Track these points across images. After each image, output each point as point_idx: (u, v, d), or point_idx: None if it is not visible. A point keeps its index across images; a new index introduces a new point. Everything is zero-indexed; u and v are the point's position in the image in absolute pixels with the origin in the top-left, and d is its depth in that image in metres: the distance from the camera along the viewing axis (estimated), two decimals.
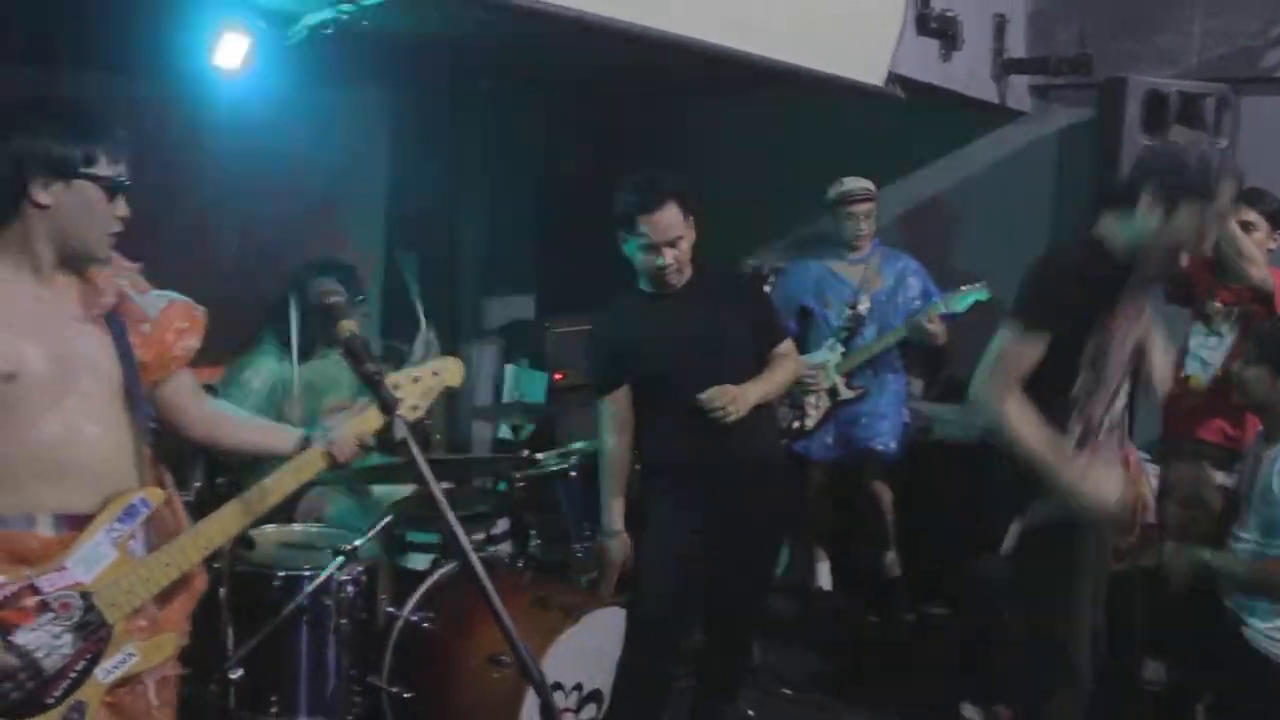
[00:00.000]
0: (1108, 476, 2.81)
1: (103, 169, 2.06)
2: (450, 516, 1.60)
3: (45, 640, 1.96)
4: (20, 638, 1.95)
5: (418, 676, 3.39)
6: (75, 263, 2.11)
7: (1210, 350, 4.13)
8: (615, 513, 3.41)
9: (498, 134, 5.14)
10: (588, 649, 3.38)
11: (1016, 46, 5.22)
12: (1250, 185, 4.17)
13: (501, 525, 4.11)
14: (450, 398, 5.09)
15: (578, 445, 4.20)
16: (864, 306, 4.70)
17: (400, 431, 1.64)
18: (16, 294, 2.06)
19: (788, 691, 4.25)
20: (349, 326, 1.77)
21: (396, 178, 4.98)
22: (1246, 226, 3.97)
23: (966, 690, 4.09)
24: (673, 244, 3.20)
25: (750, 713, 3.94)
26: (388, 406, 1.66)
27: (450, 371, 2.44)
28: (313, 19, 3.33)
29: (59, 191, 2.03)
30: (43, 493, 2.04)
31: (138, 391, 2.14)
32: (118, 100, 3.91)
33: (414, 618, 3.45)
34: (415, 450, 1.63)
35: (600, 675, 3.42)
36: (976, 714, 4.04)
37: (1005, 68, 5.14)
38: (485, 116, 5.10)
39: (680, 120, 5.64)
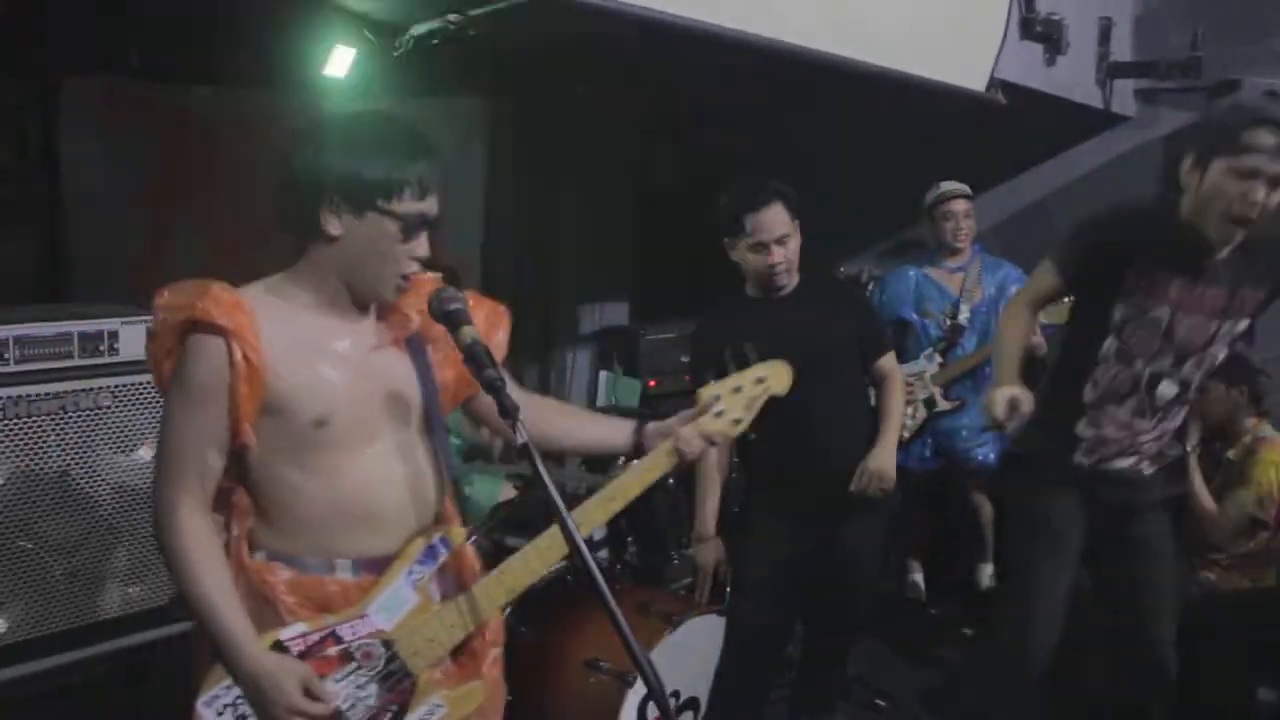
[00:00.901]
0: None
1: (405, 204, 1.84)
2: (570, 523, 1.61)
3: (350, 692, 1.86)
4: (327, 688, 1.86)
5: (514, 680, 3.38)
6: (363, 299, 1.94)
7: None
8: (708, 518, 3.39)
9: (594, 141, 5.17)
10: (685, 656, 3.36)
11: (1122, 50, 5.11)
12: None
13: (598, 532, 4.12)
14: None
15: None
16: (964, 317, 4.62)
17: (523, 436, 1.64)
18: (320, 328, 1.91)
19: (881, 703, 4.19)
20: (471, 332, 1.75)
21: (495, 184, 5.03)
22: None
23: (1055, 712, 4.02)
24: (781, 242, 3.19)
25: (880, 702, 3.90)
26: (509, 411, 1.67)
27: (777, 376, 2.31)
28: (420, 30, 3.39)
29: (351, 223, 1.84)
30: (346, 539, 1.92)
31: (438, 416, 2.01)
32: (229, 111, 4.03)
33: (510, 621, 3.47)
34: (537, 457, 1.63)
35: (697, 683, 3.41)
36: None
37: (1110, 72, 5.04)
38: (582, 124, 5.13)
39: (778, 128, 5.62)
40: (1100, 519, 2.95)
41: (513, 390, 2.07)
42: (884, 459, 3.24)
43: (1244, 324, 2.84)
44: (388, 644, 1.90)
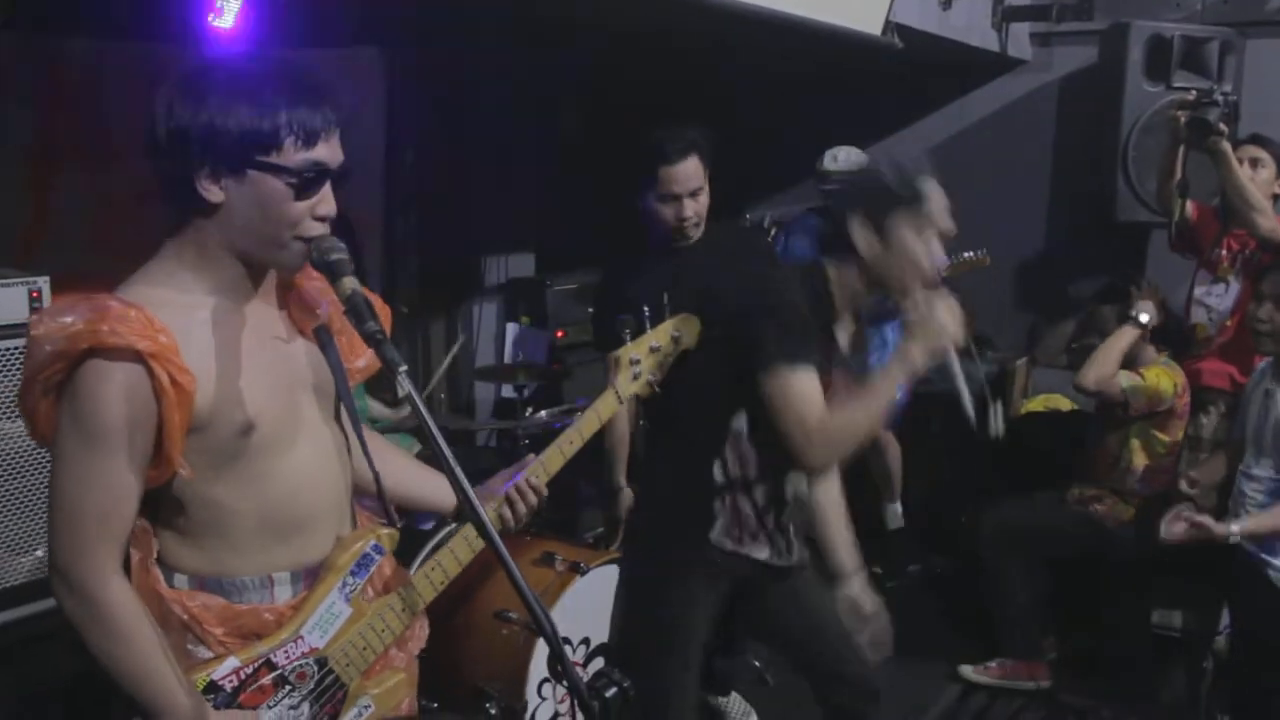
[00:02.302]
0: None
1: (288, 156, 1.60)
2: (459, 474, 1.59)
3: (285, 715, 1.77)
4: (262, 718, 1.75)
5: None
6: (261, 271, 1.74)
7: (1216, 298, 4.13)
8: (619, 468, 3.43)
9: (497, 92, 5.10)
10: (593, 604, 3.38)
11: None
12: (1254, 131, 4.17)
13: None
14: (452, 358, 5.10)
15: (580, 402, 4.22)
16: None
17: (404, 389, 1.61)
18: (227, 320, 1.68)
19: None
20: (351, 283, 1.62)
21: (395, 137, 4.94)
22: (1255, 163, 3.96)
23: (965, 650, 4.15)
24: (694, 195, 3.19)
25: (757, 663, 3.97)
26: (391, 366, 1.63)
27: (689, 331, 2.28)
28: None
29: (232, 186, 1.61)
30: (281, 551, 1.77)
31: (352, 409, 1.84)
32: (113, 64, 3.89)
33: None
34: (422, 408, 1.61)
35: (606, 629, 3.44)
36: (973, 673, 4.09)
37: (1006, 15, 5.11)
38: (484, 74, 5.05)
39: (683, 77, 5.60)
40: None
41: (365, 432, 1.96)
42: None
43: None
44: (321, 661, 1.81)
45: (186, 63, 1.68)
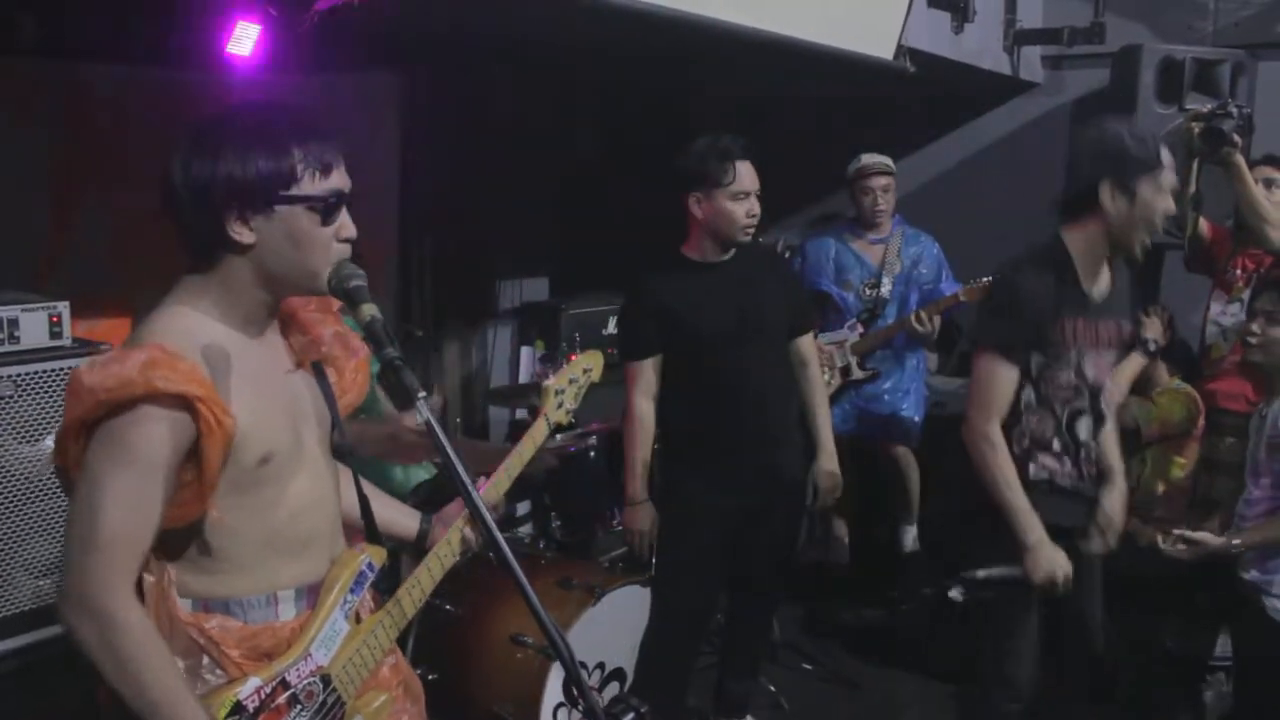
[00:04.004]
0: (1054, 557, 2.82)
1: (309, 186, 1.70)
2: (477, 500, 1.60)
3: None
4: None
5: (441, 658, 3.41)
6: (279, 302, 1.82)
7: (1231, 317, 4.11)
8: (641, 480, 3.37)
9: (511, 116, 5.13)
10: (609, 628, 3.39)
11: (1029, 17, 5.20)
12: (1268, 152, 4.17)
13: (522, 507, 4.13)
14: (467, 382, 5.12)
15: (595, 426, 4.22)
16: (886, 288, 4.67)
17: (423, 415, 1.63)
18: (246, 355, 1.75)
19: (808, 666, 4.26)
20: (370, 310, 1.66)
21: (410, 161, 4.97)
22: (1270, 184, 3.97)
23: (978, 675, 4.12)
24: (757, 196, 3.23)
25: (772, 688, 3.96)
26: (409, 392, 1.65)
27: (597, 365, 2.47)
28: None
29: (262, 225, 1.70)
30: (284, 570, 1.82)
31: (343, 437, 1.93)
32: (131, 90, 3.93)
33: (436, 600, 3.47)
34: (440, 434, 1.62)
35: (622, 654, 3.44)
36: None
37: (1018, 39, 5.13)
38: (498, 98, 5.09)
39: (693, 100, 5.62)
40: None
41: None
42: (834, 470, 3.46)
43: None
44: (325, 679, 1.84)
45: (202, 97, 1.73)
